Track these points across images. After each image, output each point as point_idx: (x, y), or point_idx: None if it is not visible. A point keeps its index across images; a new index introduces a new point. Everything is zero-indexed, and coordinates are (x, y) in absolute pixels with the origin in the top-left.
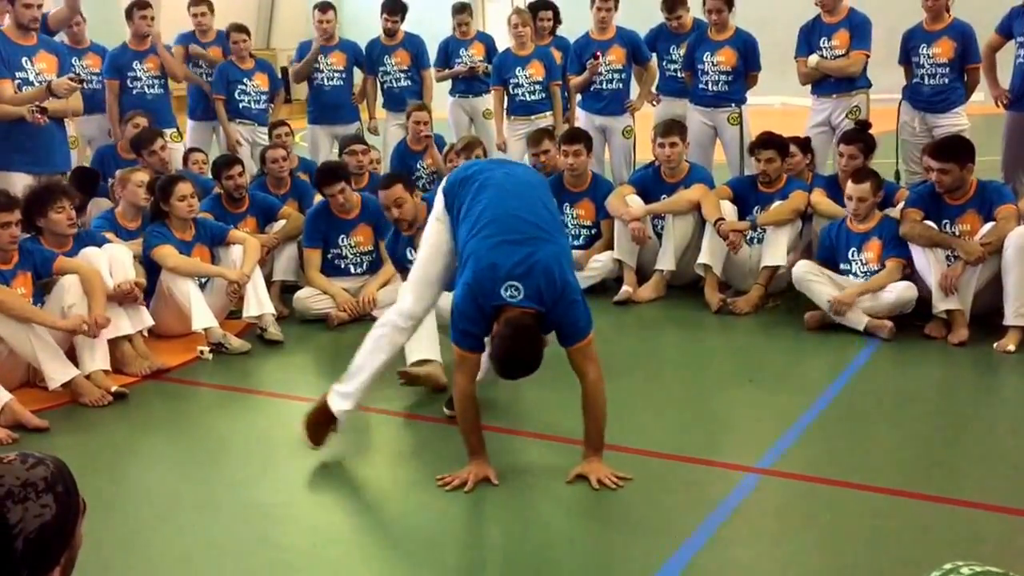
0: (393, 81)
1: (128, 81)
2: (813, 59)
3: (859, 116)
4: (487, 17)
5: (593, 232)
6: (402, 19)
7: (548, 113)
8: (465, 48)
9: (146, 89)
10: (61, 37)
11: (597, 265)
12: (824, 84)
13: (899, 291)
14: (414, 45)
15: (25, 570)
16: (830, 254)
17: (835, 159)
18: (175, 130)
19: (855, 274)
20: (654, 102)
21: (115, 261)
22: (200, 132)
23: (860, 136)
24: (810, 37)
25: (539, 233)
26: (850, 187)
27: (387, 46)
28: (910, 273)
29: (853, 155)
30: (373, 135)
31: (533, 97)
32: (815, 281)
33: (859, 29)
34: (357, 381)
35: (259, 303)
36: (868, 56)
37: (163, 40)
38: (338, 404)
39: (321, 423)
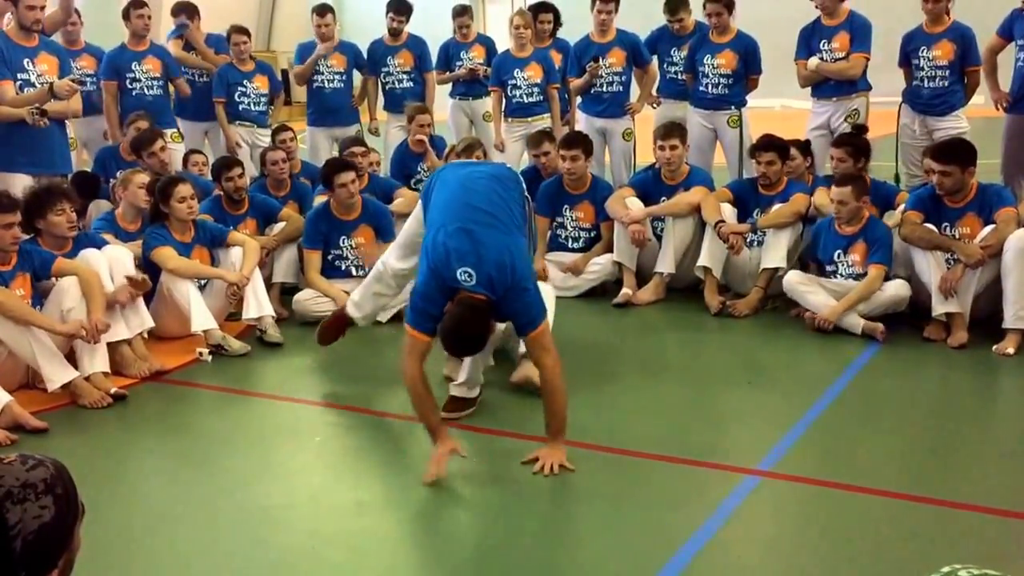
0: (395, 82)
1: (127, 82)
2: (813, 62)
3: (858, 120)
4: (487, 19)
5: (593, 235)
6: (407, 20)
7: (545, 115)
8: (466, 50)
9: (145, 90)
10: (57, 38)
11: (596, 267)
12: (824, 87)
13: (893, 288)
14: (418, 47)
15: (23, 571)
16: (819, 251)
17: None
18: (175, 131)
19: (841, 275)
20: (654, 104)
21: (115, 263)
22: (189, 131)
23: (851, 140)
24: (810, 39)
25: (492, 221)
26: (833, 191)
27: (391, 47)
28: (908, 277)
29: (842, 158)
30: (374, 136)
31: (530, 99)
32: (807, 292)
33: (859, 32)
34: (362, 294)
35: (259, 305)
36: (868, 59)
37: (158, 40)
38: (351, 310)
39: (332, 328)
